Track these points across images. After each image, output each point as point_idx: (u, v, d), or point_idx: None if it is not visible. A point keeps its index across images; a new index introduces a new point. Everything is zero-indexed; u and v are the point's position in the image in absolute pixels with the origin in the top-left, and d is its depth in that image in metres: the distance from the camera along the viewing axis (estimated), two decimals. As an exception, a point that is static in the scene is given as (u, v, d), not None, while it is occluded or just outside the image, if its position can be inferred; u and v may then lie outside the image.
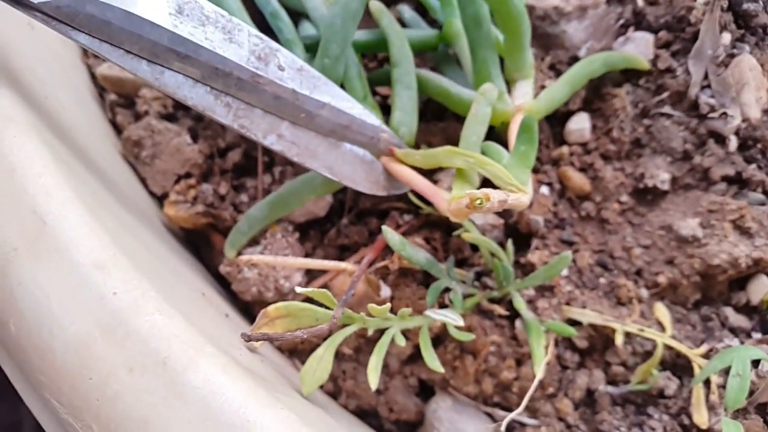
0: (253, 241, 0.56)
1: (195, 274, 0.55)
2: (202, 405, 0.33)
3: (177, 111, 0.62)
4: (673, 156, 0.59)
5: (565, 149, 0.60)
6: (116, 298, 0.37)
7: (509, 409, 0.52)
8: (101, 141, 0.57)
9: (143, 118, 0.60)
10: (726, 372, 0.49)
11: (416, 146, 0.56)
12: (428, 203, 0.57)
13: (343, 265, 0.53)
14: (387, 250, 0.55)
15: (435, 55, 0.63)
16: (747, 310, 0.56)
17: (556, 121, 0.61)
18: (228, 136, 0.62)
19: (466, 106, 0.52)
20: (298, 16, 0.62)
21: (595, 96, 0.61)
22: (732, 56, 0.60)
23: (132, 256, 0.40)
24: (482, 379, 0.53)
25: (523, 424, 0.54)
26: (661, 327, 0.54)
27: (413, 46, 0.58)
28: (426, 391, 0.56)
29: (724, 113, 0.59)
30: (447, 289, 0.53)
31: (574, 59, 0.62)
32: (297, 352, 0.56)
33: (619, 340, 0.52)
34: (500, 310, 0.53)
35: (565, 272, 0.56)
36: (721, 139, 0.59)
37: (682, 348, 0.53)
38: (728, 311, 0.56)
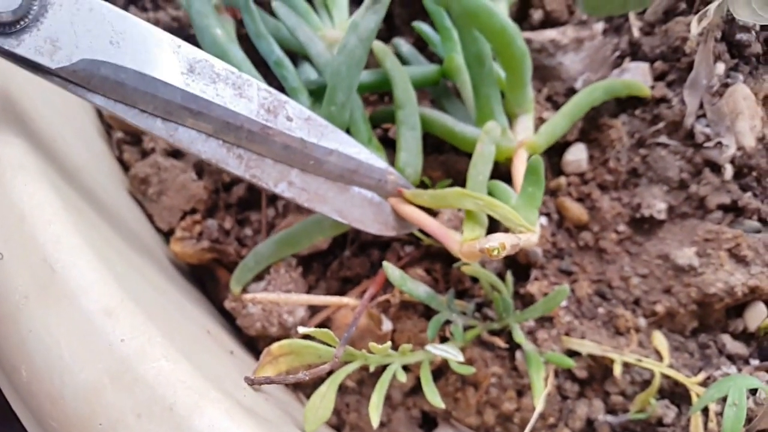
0: (258, 277, 0.58)
1: (201, 309, 0.56)
2: (208, 451, 0.34)
3: (182, 147, 0.63)
4: (670, 185, 0.60)
5: (562, 180, 0.61)
6: (124, 345, 0.38)
7: (510, 440, 0.53)
8: (109, 179, 0.59)
9: (150, 155, 0.61)
10: (724, 399, 0.49)
11: (420, 182, 0.57)
12: (429, 235, 0.58)
13: (345, 300, 0.55)
14: (388, 284, 0.56)
15: (435, 88, 0.64)
16: (744, 337, 0.57)
17: (553, 152, 0.63)
18: (232, 170, 0.63)
19: (470, 143, 0.53)
20: (298, 56, 0.63)
21: (591, 126, 0.62)
22: (726, 86, 0.61)
23: (139, 299, 0.41)
24: (484, 411, 0.54)
25: (524, 454, 0.54)
26: (659, 356, 0.55)
27: (415, 82, 0.59)
28: (429, 422, 0.57)
29: (720, 142, 0.60)
30: (448, 321, 0.54)
31: (571, 91, 0.63)
32: (301, 386, 0.57)
33: (617, 370, 0.53)
34: (500, 342, 0.54)
35: (564, 303, 0.57)
36: (716, 168, 0.60)
37: (680, 377, 0.53)
38: (726, 338, 0.57)
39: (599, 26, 0.65)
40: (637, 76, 0.62)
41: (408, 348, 0.48)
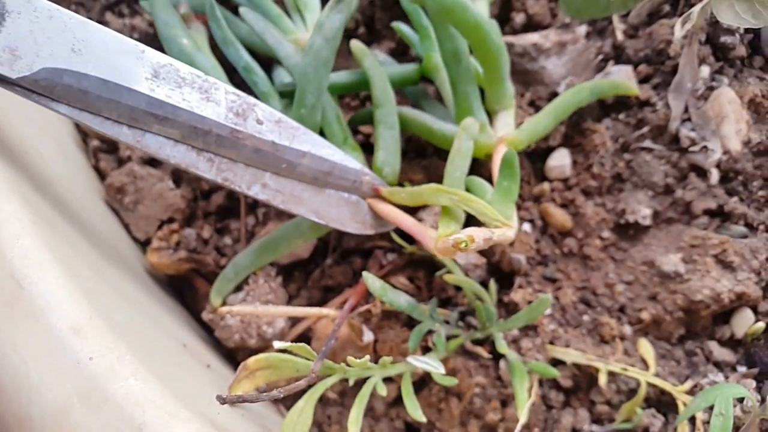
0: (237, 287, 0.56)
1: (178, 322, 0.55)
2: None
3: (160, 155, 0.62)
4: (655, 190, 0.59)
5: (546, 186, 0.60)
6: (93, 363, 0.37)
7: (495, 451, 0.52)
8: (84, 189, 0.58)
9: (126, 163, 0.60)
10: (711, 408, 0.49)
11: (399, 184, 0.56)
12: (412, 242, 0.58)
13: (324, 311, 0.54)
14: (370, 293, 0.55)
15: (415, 89, 0.63)
16: (732, 343, 0.57)
17: (536, 157, 0.62)
18: (211, 178, 0.62)
19: (449, 141, 0.52)
20: (271, 61, 0.62)
21: (575, 131, 0.61)
22: (711, 89, 0.61)
23: (110, 316, 0.40)
24: (468, 421, 0.53)
25: (509, 465, 0.54)
26: (645, 364, 0.54)
27: (394, 82, 0.58)
28: (412, 433, 0.56)
29: (705, 146, 0.59)
30: (431, 331, 0.53)
31: (554, 95, 0.62)
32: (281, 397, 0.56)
33: (602, 379, 0.52)
34: (484, 352, 0.53)
35: (548, 311, 0.56)
36: (702, 173, 0.59)
37: (666, 386, 0.53)
38: (713, 345, 0.56)
39: (582, 29, 0.64)
40: (621, 78, 0.61)
41: (388, 360, 0.47)
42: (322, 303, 0.58)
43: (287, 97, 0.57)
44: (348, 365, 0.45)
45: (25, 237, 0.41)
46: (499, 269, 0.58)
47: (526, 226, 0.59)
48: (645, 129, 0.60)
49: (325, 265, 0.60)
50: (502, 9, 0.67)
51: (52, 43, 0.39)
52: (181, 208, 0.59)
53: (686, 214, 0.59)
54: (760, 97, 0.60)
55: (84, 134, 0.63)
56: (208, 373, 0.50)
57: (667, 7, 0.64)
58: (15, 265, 0.40)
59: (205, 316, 0.56)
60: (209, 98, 0.44)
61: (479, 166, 0.56)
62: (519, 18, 0.65)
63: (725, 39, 0.62)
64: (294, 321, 0.57)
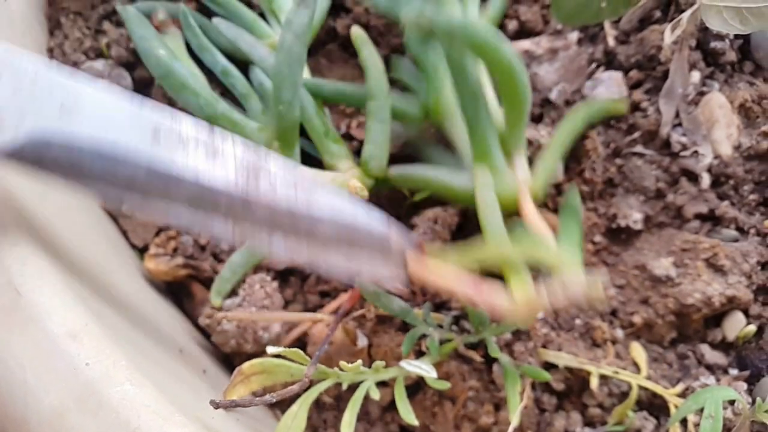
0: (233, 292, 0.57)
1: (175, 327, 0.56)
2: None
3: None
4: (646, 195, 0.60)
5: (539, 191, 0.61)
6: (89, 369, 0.38)
7: (488, 454, 0.53)
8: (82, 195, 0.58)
9: (123, 171, 0.61)
10: (702, 410, 0.49)
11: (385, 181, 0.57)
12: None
13: (318, 316, 0.54)
14: (364, 298, 0.56)
15: (415, 135, 0.61)
16: (723, 346, 0.57)
17: (529, 162, 0.62)
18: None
19: (470, 197, 0.51)
20: (247, 64, 0.63)
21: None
22: (702, 94, 0.61)
23: (106, 322, 0.41)
24: (461, 425, 0.54)
25: (503, 468, 0.54)
26: (637, 367, 0.55)
27: (395, 115, 0.57)
28: (407, 437, 0.57)
29: (696, 151, 0.60)
30: (425, 335, 0.54)
31: (546, 101, 0.63)
32: (278, 402, 0.56)
33: (594, 383, 0.53)
34: (477, 356, 0.54)
35: (541, 314, 0.57)
36: (693, 177, 0.60)
37: (658, 388, 0.53)
38: (705, 348, 0.57)
39: (574, 36, 0.65)
40: (611, 86, 0.62)
41: (381, 365, 0.48)
42: (318, 308, 0.59)
43: (265, 99, 0.58)
44: (342, 370, 0.46)
45: (23, 244, 0.42)
46: (491, 273, 0.59)
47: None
48: (636, 134, 0.61)
49: (320, 271, 0.61)
50: (495, 16, 0.68)
51: (38, 107, 0.37)
52: (178, 214, 0.60)
53: (677, 219, 0.59)
54: (750, 101, 0.60)
55: (82, 142, 0.63)
56: (204, 378, 0.50)
57: (657, 13, 0.65)
58: (13, 272, 0.40)
59: (202, 321, 0.56)
60: (216, 156, 0.40)
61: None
62: (511, 25, 0.66)
63: (715, 44, 0.62)
64: (290, 326, 0.57)
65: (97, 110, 0.38)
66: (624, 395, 0.54)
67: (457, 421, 0.54)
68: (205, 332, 0.58)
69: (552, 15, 0.66)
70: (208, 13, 0.65)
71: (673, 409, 0.53)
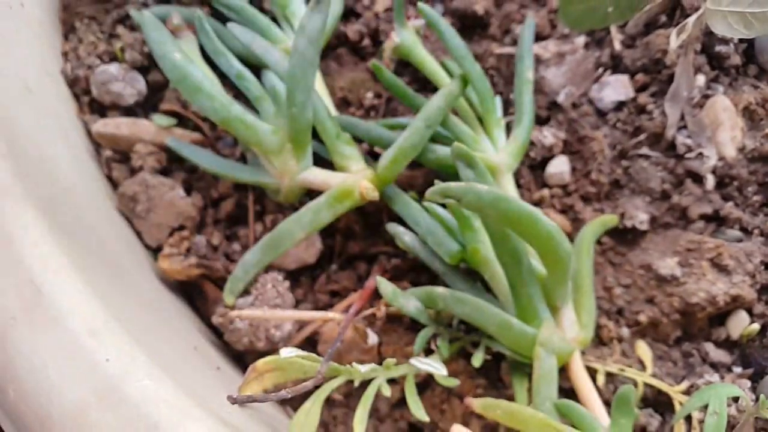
0: (245, 292, 0.58)
1: (189, 326, 0.57)
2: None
3: (171, 164, 0.64)
4: (652, 196, 0.61)
5: (546, 192, 0.62)
6: (109, 365, 0.39)
7: (496, 450, 0.54)
8: (97, 197, 0.59)
9: (138, 173, 0.62)
10: (707, 407, 0.50)
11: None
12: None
13: (330, 314, 0.55)
14: (375, 296, 0.57)
15: (451, 270, 0.58)
16: (727, 344, 0.58)
17: (536, 164, 0.63)
18: (221, 186, 0.64)
19: (528, 346, 0.51)
20: (259, 68, 0.64)
21: (574, 139, 0.63)
22: (707, 97, 0.62)
23: (125, 319, 0.42)
24: (470, 422, 0.55)
25: (511, 464, 0.55)
26: (643, 365, 0.56)
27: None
28: (416, 433, 0.58)
29: (701, 153, 0.61)
30: (435, 334, 0.55)
31: (553, 104, 0.64)
32: (289, 400, 0.57)
33: (600, 380, 0.54)
34: (484, 355, 0.55)
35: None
36: (698, 179, 0.60)
37: (663, 386, 0.54)
38: (709, 347, 0.57)
39: (581, 40, 0.66)
40: (618, 89, 0.63)
41: (392, 362, 0.49)
42: (328, 307, 0.60)
43: (279, 102, 0.59)
44: (353, 367, 0.47)
45: (44, 244, 0.43)
46: None
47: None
48: (642, 136, 0.62)
49: (330, 270, 0.62)
50: (502, 21, 0.69)
51: None
52: (191, 215, 0.61)
53: (683, 219, 0.60)
54: (754, 104, 0.61)
55: (97, 144, 0.64)
56: (218, 375, 0.51)
57: (663, 18, 0.66)
58: (34, 271, 0.42)
59: (215, 320, 0.58)
60: None
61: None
62: (519, 29, 0.67)
63: (720, 48, 0.63)
64: (301, 324, 0.59)
65: None
66: (630, 393, 0.55)
67: (465, 418, 0.55)
68: (217, 331, 0.59)
69: (559, 20, 0.67)
70: (222, 19, 0.66)
71: (677, 406, 0.54)
